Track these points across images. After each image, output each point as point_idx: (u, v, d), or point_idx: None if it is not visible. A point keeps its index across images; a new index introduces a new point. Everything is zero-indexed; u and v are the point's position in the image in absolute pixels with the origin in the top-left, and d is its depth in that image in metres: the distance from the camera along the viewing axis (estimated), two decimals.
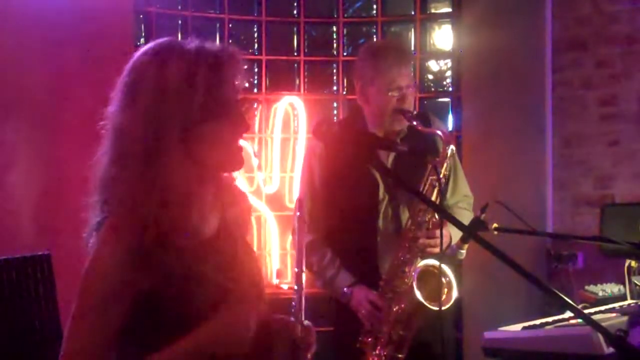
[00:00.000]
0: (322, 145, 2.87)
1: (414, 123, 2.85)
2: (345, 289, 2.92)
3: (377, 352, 2.80)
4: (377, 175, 2.91)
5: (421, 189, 2.80)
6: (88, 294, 1.58)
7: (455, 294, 2.73)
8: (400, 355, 2.79)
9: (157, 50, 1.64)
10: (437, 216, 2.79)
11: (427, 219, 2.82)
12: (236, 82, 1.66)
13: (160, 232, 1.57)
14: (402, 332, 2.79)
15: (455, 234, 2.85)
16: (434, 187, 2.80)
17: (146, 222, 1.57)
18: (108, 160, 1.62)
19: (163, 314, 1.61)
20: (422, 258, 2.80)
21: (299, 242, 1.91)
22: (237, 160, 1.69)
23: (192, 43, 1.65)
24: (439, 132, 2.88)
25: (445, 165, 2.88)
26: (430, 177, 2.82)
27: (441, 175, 2.84)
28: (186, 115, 1.59)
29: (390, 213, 2.94)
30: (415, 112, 2.90)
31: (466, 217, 2.97)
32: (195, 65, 1.60)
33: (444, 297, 2.72)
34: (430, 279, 2.74)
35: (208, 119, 1.61)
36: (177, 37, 4.68)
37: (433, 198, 2.78)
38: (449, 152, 2.88)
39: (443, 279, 2.72)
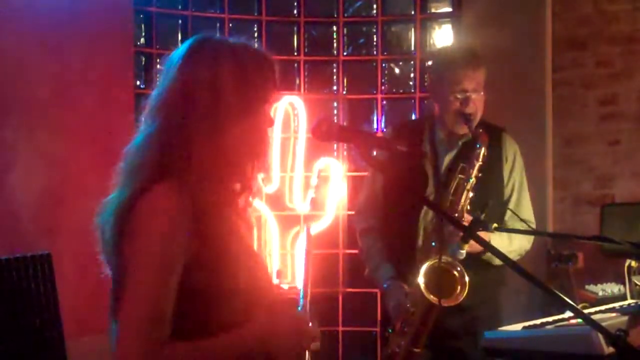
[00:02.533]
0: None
1: (467, 125, 2.88)
2: (383, 282, 3.00)
3: (397, 343, 2.85)
4: (430, 172, 2.97)
5: (450, 187, 2.85)
6: (151, 254, 1.55)
7: (466, 290, 2.75)
8: (416, 350, 2.83)
9: (211, 48, 1.74)
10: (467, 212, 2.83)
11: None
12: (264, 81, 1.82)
13: (206, 202, 1.61)
14: (416, 326, 2.82)
15: (499, 244, 2.82)
16: (463, 186, 2.83)
17: (198, 189, 1.61)
18: (160, 130, 1.67)
19: (193, 287, 1.60)
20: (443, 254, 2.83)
21: (307, 255, 1.98)
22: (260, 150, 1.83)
23: (237, 41, 1.77)
24: (481, 136, 2.89)
25: (476, 165, 2.86)
26: (459, 176, 2.86)
27: (472, 176, 2.85)
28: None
29: None
30: (481, 121, 2.93)
31: (516, 240, 2.99)
32: (243, 64, 1.74)
33: (456, 293, 2.76)
34: (446, 275, 2.77)
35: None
36: (178, 37, 4.76)
37: (462, 198, 2.83)
38: (480, 153, 2.88)
39: (456, 274, 2.76)
